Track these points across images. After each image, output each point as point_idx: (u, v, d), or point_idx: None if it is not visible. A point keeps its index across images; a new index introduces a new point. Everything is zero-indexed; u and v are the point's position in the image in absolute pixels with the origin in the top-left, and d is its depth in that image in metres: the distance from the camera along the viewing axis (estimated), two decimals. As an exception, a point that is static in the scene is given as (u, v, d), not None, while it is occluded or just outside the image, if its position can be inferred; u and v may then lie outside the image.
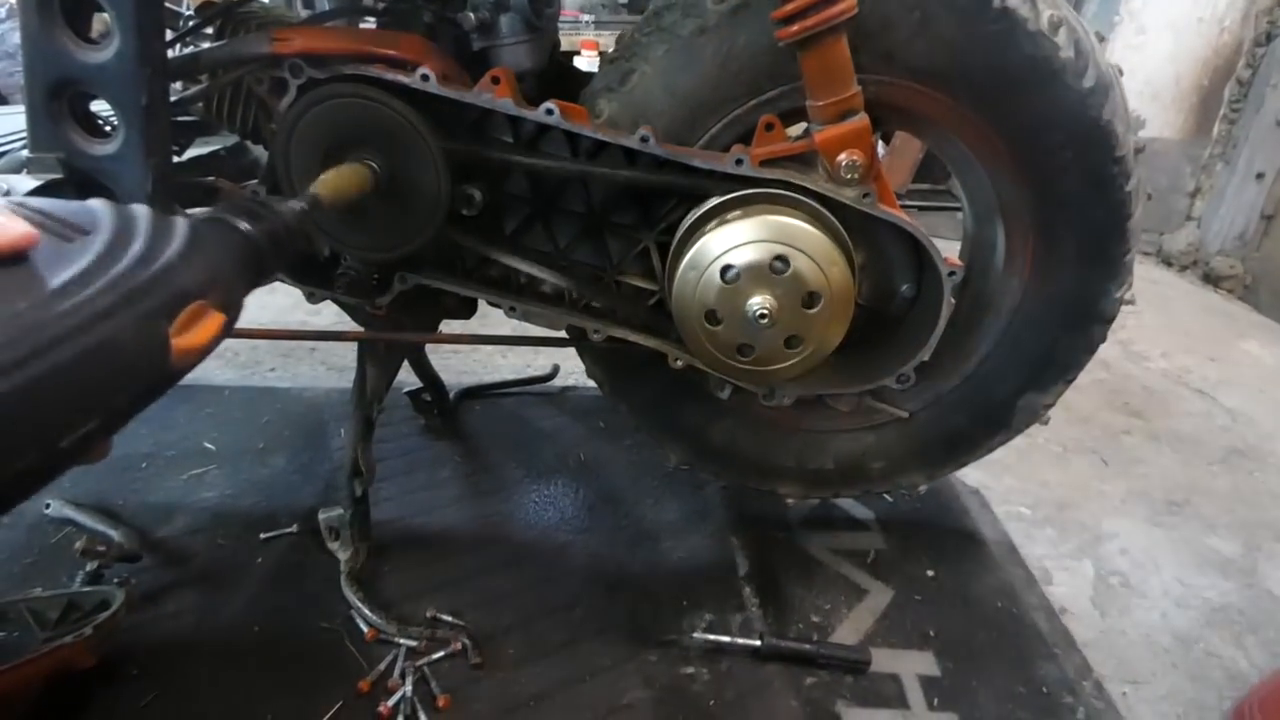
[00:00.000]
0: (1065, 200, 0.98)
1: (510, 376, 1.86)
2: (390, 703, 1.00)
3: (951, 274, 0.96)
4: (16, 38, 2.97)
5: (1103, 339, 1.08)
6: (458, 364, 1.94)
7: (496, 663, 1.08)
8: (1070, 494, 1.55)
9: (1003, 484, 1.56)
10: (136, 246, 0.49)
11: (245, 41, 0.93)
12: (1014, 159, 0.98)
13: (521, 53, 1.01)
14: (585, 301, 1.08)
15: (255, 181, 1.04)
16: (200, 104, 1.03)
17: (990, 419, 1.17)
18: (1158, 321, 2.49)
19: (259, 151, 1.25)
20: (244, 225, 0.61)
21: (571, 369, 1.86)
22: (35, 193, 0.88)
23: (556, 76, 1.13)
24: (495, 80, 0.92)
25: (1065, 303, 1.06)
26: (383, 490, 1.39)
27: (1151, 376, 2.11)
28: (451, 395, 1.71)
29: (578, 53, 3.82)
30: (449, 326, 1.29)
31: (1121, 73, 0.97)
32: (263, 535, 1.30)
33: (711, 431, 1.23)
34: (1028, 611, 1.21)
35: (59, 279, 0.44)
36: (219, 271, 0.55)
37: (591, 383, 1.25)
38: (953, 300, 0.98)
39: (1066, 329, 1.08)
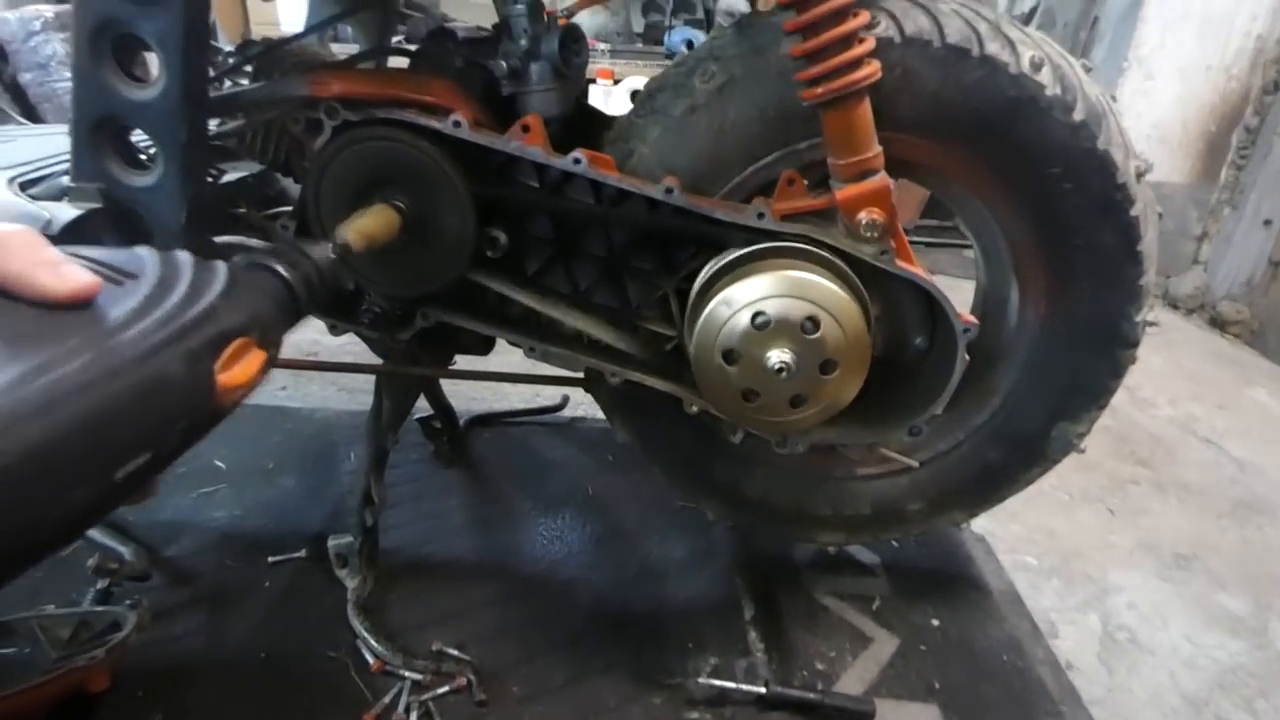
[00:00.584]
0: (1072, 231, 1.00)
1: (519, 405, 1.88)
2: (395, 737, 1.01)
3: (966, 330, 0.98)
4: (49, 49, 3.05)
5: (1131, 361, 1.09)
6: (467, 390, 1.95)
7: (501, 699, 1.08)
8: (1077, 544, 1.56)
9: (1009, 531, 1.56)
10: (181, 288, 0.52)
11: (284, 83, 0.95)
12: (1015, 197, 1.00)
13: (550, 99, 1.03)
14: (603, 344, 1.09)
15: (286, 211, 1.06)
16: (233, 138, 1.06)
17: (1025, 451, 1.17)
18: (1164, 366, 2.50)
19: (285, 181, 1.28)
20: (282, 270, 0.63)
21: (580, 399, 1.87)
22: (75, 223, 0.91)
23: (580, 119, 1.15)
24: (525, 128, 0.94)
25: (1086, 331, 1.07)
26: (390, 517, 1.40)
27: (1158, 424, 2.12)
28: (461, 422, 1.72)
29: (593, 80, 3.87)
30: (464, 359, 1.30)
31: (1114, 99, 0.99)
32: (271, 559, 1.31)
33: (745, 485, 1.23)
34: (1033, 665, 1.21)
35: (112, 317, 0.46)
36: (259, 312, 0.57)
37: (600, 414, 1.26)
38: (967, 357, 0.99)
39: (1090, 357, 1.09)
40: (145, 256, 0.54)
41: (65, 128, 1.48)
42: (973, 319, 0.99)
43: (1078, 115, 0.93)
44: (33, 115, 3.04)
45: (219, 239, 1.07)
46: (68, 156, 1.01)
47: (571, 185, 1.01)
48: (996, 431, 1.17)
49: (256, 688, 1.08)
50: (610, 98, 3.79)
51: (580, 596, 1.28)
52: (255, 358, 0.54)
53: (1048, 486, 1.73)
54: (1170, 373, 2.46)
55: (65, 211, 0.93)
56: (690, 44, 4.07)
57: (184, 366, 0.47)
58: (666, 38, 4.76)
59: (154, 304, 0.49)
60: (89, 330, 0.44)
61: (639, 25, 5.29)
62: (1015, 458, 1.18)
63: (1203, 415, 2.19)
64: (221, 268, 0.57)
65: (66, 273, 0.44)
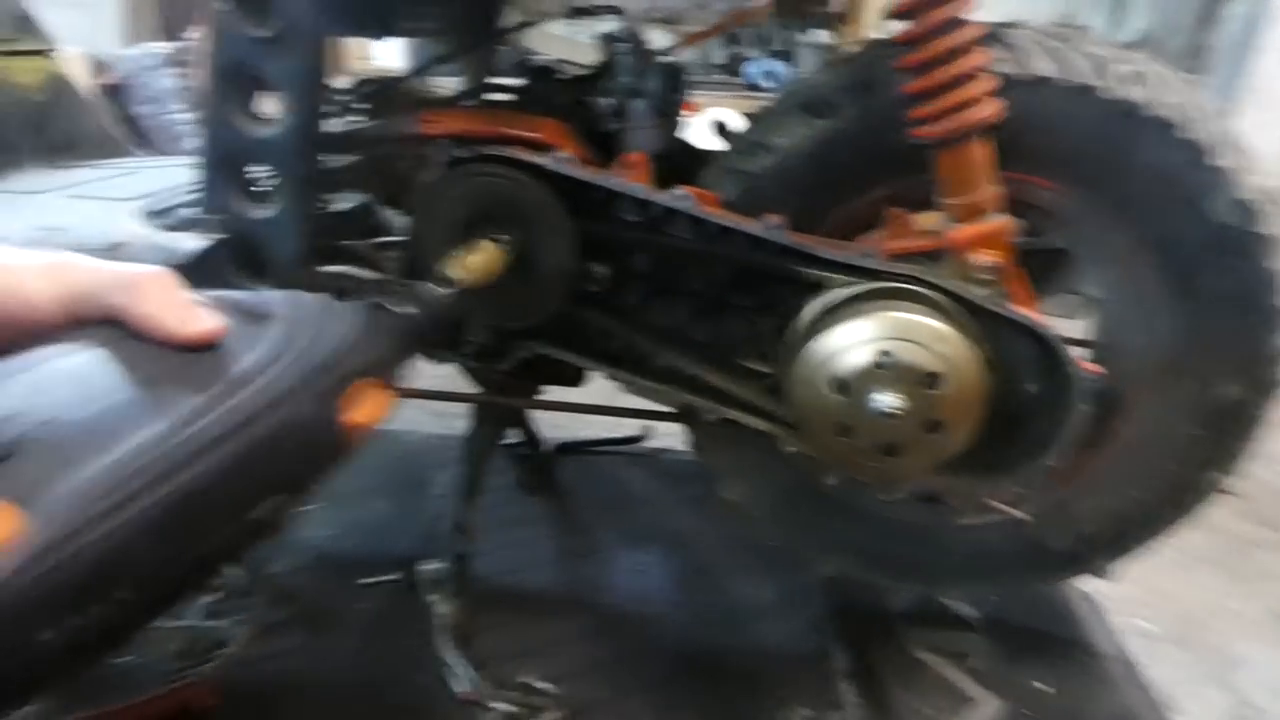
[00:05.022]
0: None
1: (600, 433, 1.87)
2: (481, 771, 1.00)
3: (1085, 379, 0.92)
4: (162, 84, 3.25)
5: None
6: (549, 417, 1.95)
7: (590, 738, 1.07)
8: (1196, 610, 1.44)
9: (1120, 592, 1.45)
10: (310, 332, 0.52)
11: (397, 120, 0.99)
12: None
13: (652, 136, 1.04)
14: (699, 380, 1.08)
15: (390, 241, 1.09)
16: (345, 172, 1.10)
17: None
18: (1292, 418, 2.32)
19: (386, 212, 1.32)
20: (405, 310, 0.64)
21: (664, 431, 1.86)
22: (203, 254, 0.96)
23: (680, 155, 1.15)
24: (629, 165, 0.95)
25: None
26: (477, 543, 1.41)
27: (1285, 481, 1.96)
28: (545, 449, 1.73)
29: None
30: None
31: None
32: (363, 580, 1.33)
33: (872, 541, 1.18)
34: (1153, 743, 1.12)
35: (248, 361, 0.47)
36: (384, 353, 0.58)
37: (683, 447, 1.24)
38: (1084, 407, 0.93)
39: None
40: (276, 299, 0.55)
41: (182, 159, 1.58)
42: (1094, 368, 0.93)
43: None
44: (144, 146, 3.26)
45: (327, 268, 1.11)
46: (191, 188, 1.07)
47: (673, 221, 1.01)
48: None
49: (351, 713, 1.09)
50: (690, 128, 3.80)
51: (668, 636, 1.26)
52: (380, 398, 0.55)
53: (1162, 545, 1.61)
54: (1298, 423, 2.28)
55: (190, 242, 0.98)
56: (771, 75, 4.07)
57: (313, 411, 0.48)
58: (745, 69, 4.77)
59: (286, 348, 0.49)
60: (226, 376, 0.45)
61: (719, 56, 5.32)
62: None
63: (1336, 471, 2.02)
64: (348, 310, 0.58)
65: (192, 316, 0.45)
